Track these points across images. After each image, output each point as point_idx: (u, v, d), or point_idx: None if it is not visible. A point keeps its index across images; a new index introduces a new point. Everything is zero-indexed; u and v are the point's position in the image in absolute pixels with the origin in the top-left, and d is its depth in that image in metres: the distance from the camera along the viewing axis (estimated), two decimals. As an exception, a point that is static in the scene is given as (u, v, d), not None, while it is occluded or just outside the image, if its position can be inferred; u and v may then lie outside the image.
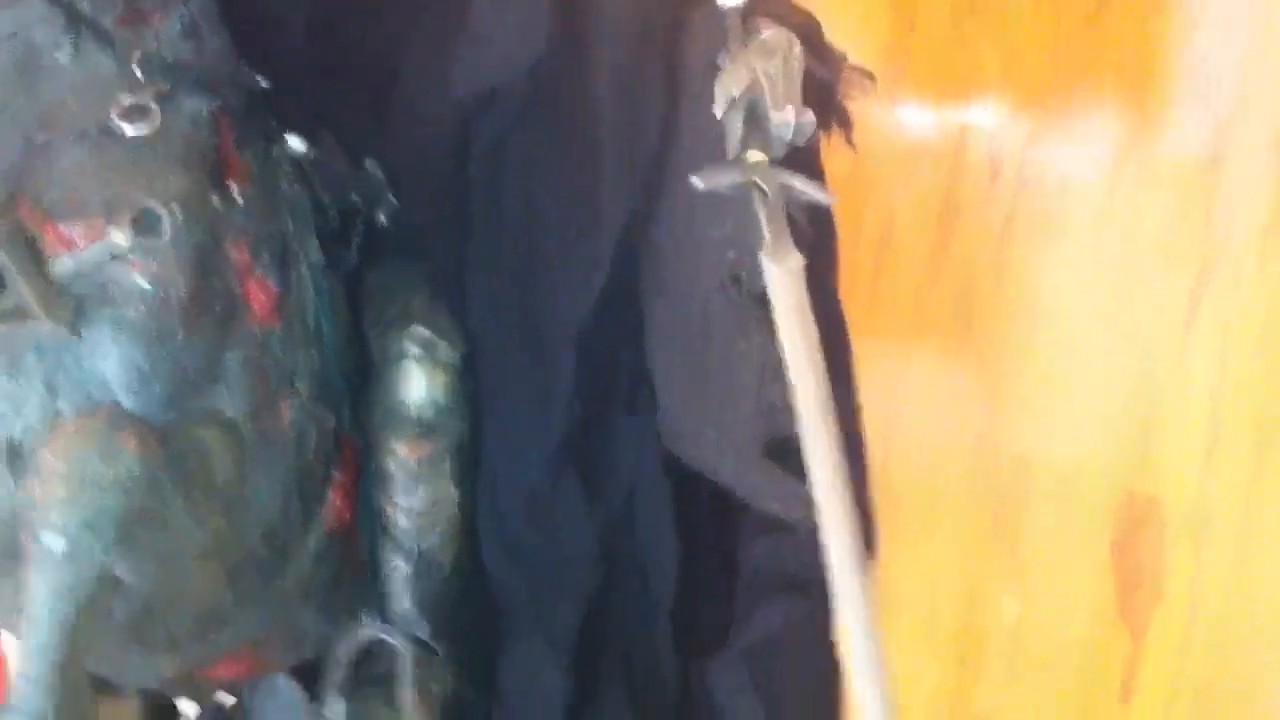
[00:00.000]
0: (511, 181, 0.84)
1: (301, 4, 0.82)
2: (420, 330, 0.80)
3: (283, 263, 0.74)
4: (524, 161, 0.83)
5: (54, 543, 0.61)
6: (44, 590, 0.60)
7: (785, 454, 0.76)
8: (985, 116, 1.69)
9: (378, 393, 0.80)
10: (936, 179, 1.70)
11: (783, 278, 0.66)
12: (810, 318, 0.67)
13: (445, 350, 0.81)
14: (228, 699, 1.21)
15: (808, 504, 0.75)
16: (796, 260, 0.67)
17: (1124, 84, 1.58)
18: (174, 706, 1.16)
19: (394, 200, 0.85)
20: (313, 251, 0.77)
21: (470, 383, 0.82)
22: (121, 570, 0.63)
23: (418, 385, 0.80)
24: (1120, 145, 1.61)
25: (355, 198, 0.83)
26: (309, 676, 0.96)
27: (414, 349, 0.80)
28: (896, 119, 1.71)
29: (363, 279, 0.84)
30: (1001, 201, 1.66)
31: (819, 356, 0.67)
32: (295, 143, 0.77)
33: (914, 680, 1.93)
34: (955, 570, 1.82)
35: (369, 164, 0.84)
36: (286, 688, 0.95)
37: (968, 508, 1.78)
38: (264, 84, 0.76)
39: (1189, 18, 1.54)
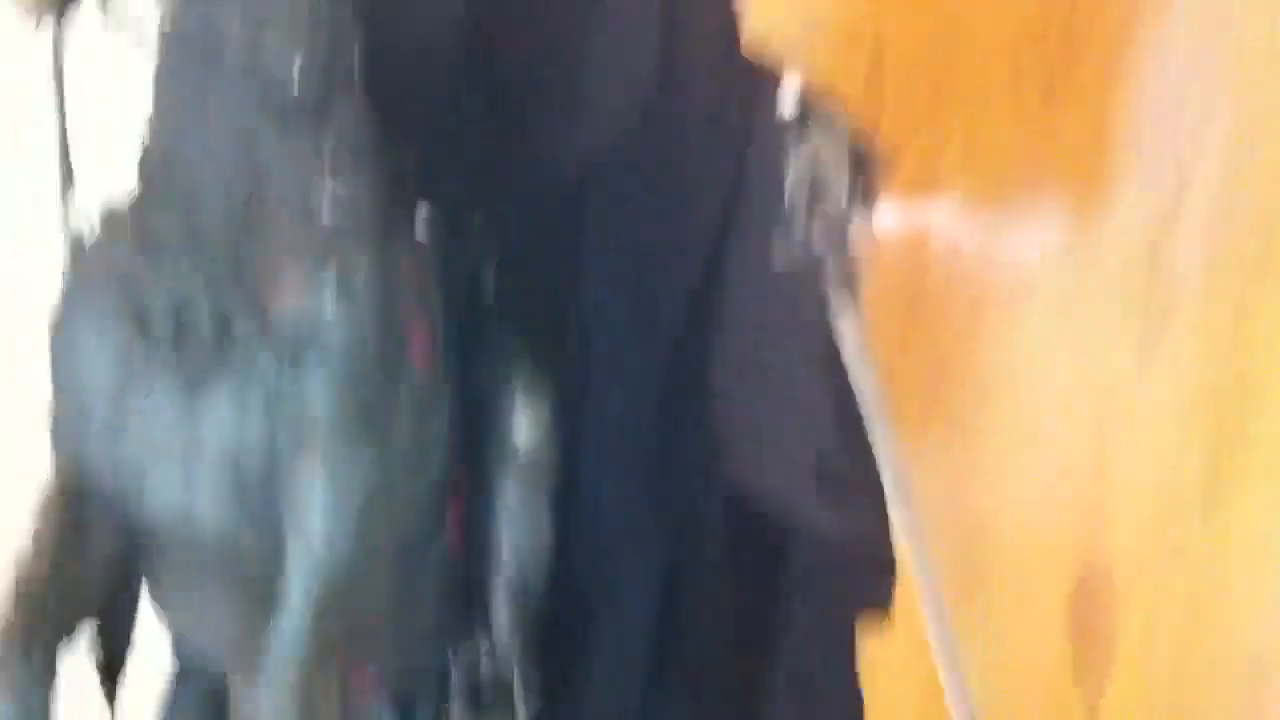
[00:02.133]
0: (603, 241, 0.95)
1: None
2: (525, 385, 0.93)
3: (430, 313, 0.85)
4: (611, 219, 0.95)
5: (315, 539, 0.70)
6: (302, 581, 0.70)
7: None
8: (947, 209, 1.83)
9: (489, 436, 0.91)
10: (901, 275, 1.83)
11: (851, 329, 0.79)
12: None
13: (542, 404, 0.94)
14: None
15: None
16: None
17: (1071, 179, 1.74)
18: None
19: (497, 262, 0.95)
20: (437, 305, 0.87)
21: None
22: None
23: (525, 430, 0.93)
24: (1067, 234, 1.76)
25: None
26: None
27: (522, 401, 0.93)
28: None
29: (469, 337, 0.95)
30: (967, 288, 1.80)
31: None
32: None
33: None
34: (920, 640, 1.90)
35: (475, 219, 0.95)
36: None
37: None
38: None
39: (1130, 129, 1.70)
